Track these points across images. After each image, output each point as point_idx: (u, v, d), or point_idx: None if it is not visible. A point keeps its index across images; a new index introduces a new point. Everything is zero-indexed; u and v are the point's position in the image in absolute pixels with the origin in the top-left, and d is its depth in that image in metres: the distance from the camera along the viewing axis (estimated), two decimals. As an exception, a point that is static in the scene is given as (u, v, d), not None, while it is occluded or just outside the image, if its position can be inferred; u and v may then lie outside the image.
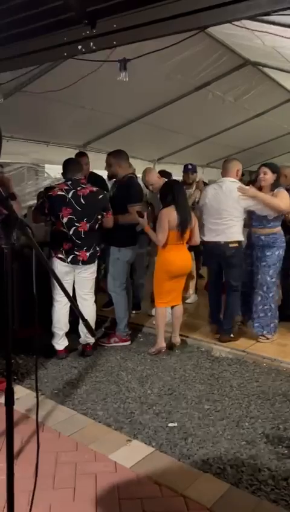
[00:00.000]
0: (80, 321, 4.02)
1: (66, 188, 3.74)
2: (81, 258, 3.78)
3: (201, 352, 4.15)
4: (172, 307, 4.22)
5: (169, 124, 6.24)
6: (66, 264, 3.76)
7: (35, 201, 5.48)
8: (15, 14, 2.38)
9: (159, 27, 2.14)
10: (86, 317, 3.97)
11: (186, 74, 4.88)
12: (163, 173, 5.51)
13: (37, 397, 1.71)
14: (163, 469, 2.41)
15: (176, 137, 6.99)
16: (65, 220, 3.71)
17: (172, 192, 3.98)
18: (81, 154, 5.22)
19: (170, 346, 4.15)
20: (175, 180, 4.48)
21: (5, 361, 1.57)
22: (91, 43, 2.26)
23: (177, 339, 4.18)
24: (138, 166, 6.00)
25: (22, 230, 1.53)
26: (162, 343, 4.08)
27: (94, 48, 2.29)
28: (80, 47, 2.32)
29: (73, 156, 4.91)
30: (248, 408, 3.11)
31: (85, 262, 3.82)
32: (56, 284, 3.83)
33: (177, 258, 3.99)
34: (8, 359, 1.57)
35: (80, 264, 3.80)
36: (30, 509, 1.69)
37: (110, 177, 4.55)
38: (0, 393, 3.11)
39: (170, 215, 3.87)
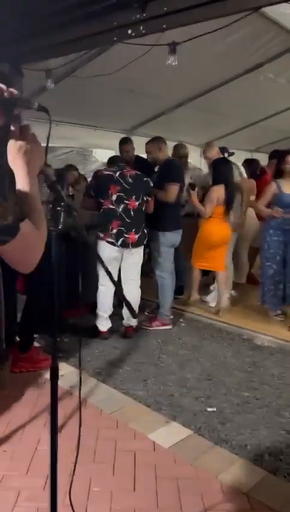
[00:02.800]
0: (124, 304, 4.12)
1: (113, 169, 3.88)
2: (130, 241, 3.85)
3: (242, 340, 4.12)
4: (216, 274, 4.71)
5: (217, 107, 6.12)
6: (116, 248, 3.83)
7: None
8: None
9: (211, 8, 2.10)
10: (129, 301, 4.06)
11: (237, 56, 4.75)
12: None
13: (80, 375, 1.78)
14: (200, 452, 2.45)
15: (225, 121, 6.84)
16: (114, 197, 3.79)
17: (224, 172, 4.44)
18: (126, 140, 5.26)
19: (217, 311, 4.64)
20: (227, 160, 4.72)
21: (52, 338, 1.65)
22: (141, 27, 2.26)
23: (226, 303, 4.66)
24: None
25: (68, 214, 1.57)
26: (195, 295, 4.86)
27: (144, 31, 2.28)
28: (130, 31, 2.32)
29: (119, 140, 5.03)
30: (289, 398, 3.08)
31: (134, 245, 3.88)
32: (102, 268, 3.95)
33: (219, 229, 4.51)
34: (54, 336, 1.65)
35: (130, 247, 3.87)
36: (71, 480, 1.78)
37: (153, 164, 4.55)
38: (45, 370, 3.28)
39: (219, 192, 4.37)
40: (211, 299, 4.88)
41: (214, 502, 2.08)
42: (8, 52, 2.82)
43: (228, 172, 4.47)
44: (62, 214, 1.58)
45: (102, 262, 2.08)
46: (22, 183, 1.09)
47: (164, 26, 2.22)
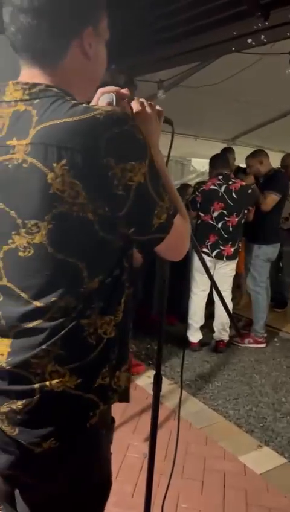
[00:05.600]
0: (215, 316, 4.05)
1: (218, 182, 3.76)
2: (225, 253, 3.78)
3: None
4: None
5: None
6: (210, 258, 3.79)
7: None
8: (186, 11, 2.42)
9: None
10: (220, 314, 3.97)
11: None
12: None
13: (181, 390, 1.75)
14: (296, 484, 2.29)
15: None
16: (216, 213, 3.74)
17: None
18: (228, 149, 5.17)
19: None
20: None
21: (157, 349, 1.64)
22: (262, 36, 2.19)
23: None
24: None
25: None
26: None
27: (265, 40, 2.21)
28: (249, 40, 2.26)
29: (219, 150, 4.92)
30: None
31: (229, 258, 3.81)
32: (195, 277, 3.94)
33: None
34: (160, 347, 1.64)
35: (224, 259, 3.80)
36: (165, 495, 1.75)
37: (256, 177, 4.40)
38: (135, 376, 3.32)
39: None
40: None
41: None
42: (124, 65, 2.91)
43: None
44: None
45: (207, 269, 2.04)
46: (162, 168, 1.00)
47: (288, 34, 2.14)
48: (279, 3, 2.14)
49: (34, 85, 0.86)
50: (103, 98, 1.01)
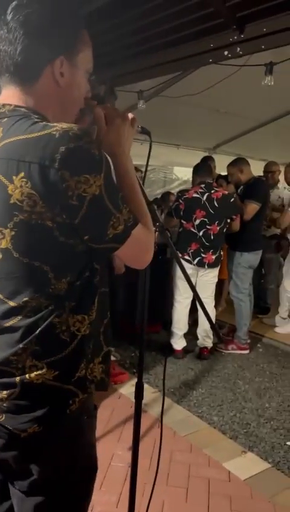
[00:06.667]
0: (199, 323, 4.08)
1: (200, 190, 3.79)
2: (207, 261, 3.81)
3: None
4: None
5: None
6: (192, 266, 3.81)
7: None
8: (165, 23, 2.47)
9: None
10: (203, 322, 3.99)
11: None
12: None
13: (163, 397, 1.76)
14: (279, 489, 2.31)
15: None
16: (197, 221, 3.77)
17: None
18: (208, 158, 5.24)
19: None
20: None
21: (139, 357, 1.65)
22: (238, 48, 2.25)
23: None
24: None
25: (161, 234, 1.58)
26: None
27: (241, 52, 2.27)
28: (226, 52, 2.32)
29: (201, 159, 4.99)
30: None
31: (210, 265, 3.83)
32: (178, 285, 3.96)
33: None
34: (141, 355, 1.65)
35: (206, 266, 3.83)
36: (149, 501, 1.75)
37: (236, 186, 4.44)
38: (119, 385, 3.31)
39: None
40: (279, 323, 4.69)
41: None
42: (104, 75, 2.95)
43: None
44: (156, 233, 1.60)
45: (187, 277, 2.05)
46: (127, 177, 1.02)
47: (263, 46, 2.19)
48: (254, 17, 2.20)
49: (4, 105, 0.94)
50: None
